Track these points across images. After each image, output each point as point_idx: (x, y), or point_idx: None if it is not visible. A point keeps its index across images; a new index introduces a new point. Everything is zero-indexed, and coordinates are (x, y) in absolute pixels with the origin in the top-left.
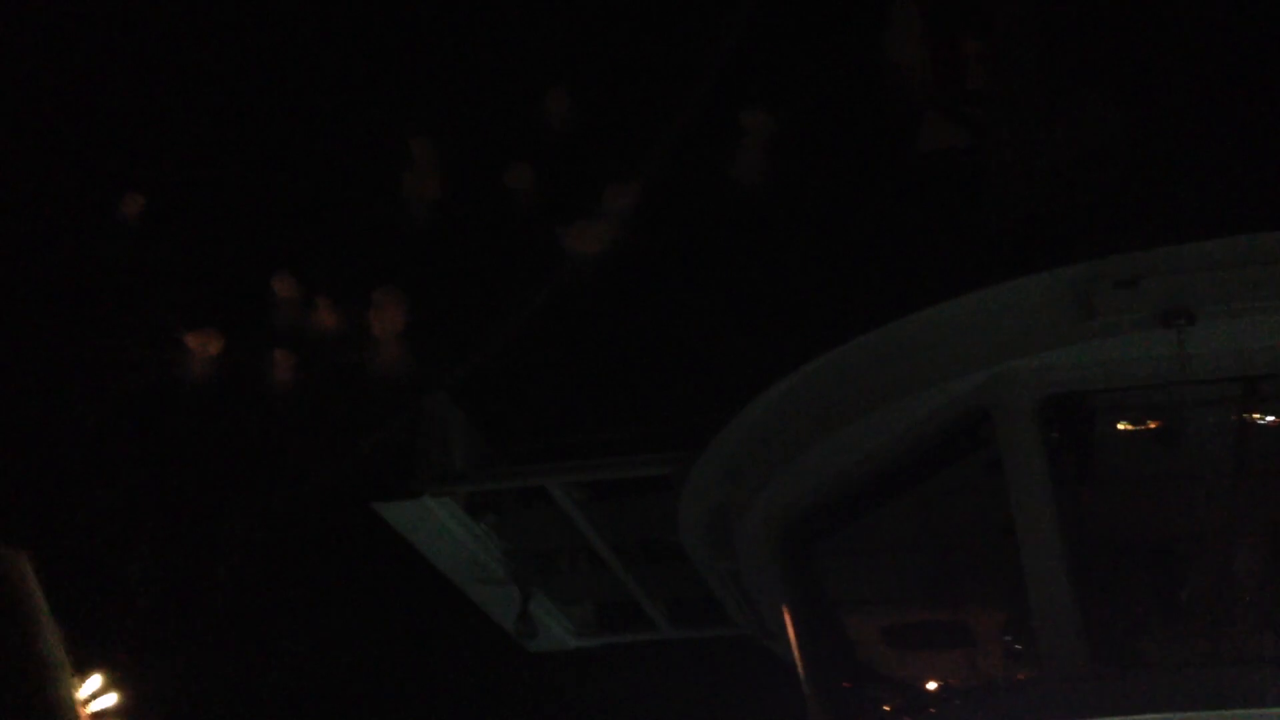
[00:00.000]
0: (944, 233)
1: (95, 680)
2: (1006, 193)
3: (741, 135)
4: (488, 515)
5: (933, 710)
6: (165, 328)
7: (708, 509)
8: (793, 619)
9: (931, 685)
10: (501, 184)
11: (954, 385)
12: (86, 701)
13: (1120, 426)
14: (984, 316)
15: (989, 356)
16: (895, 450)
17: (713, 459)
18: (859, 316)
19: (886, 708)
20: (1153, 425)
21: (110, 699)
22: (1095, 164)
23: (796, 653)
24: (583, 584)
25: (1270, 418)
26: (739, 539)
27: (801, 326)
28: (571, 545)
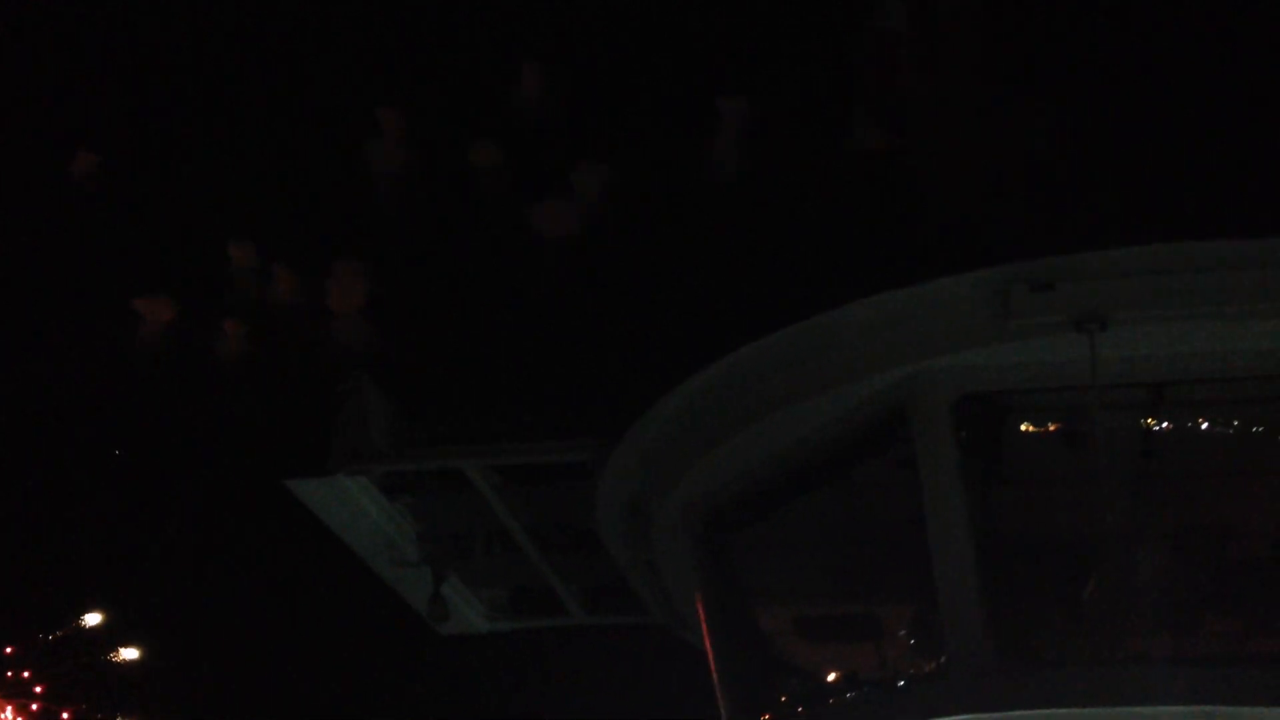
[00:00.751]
0: (870, 229)
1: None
2: (932, 192)
3: (716, 123)
4: (404, 496)
5: (837, 701)
6: (115, 293)
7: (625, 497)
8: (706, 608)
9: (840, 676)
10: (468, 160)
11: (872, 382)
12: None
13: (1032, 427)
14: (903, 315)
15: (907, 355)
16: (812, 444)
17: (631, 447)
18: (780, 310)
19: (795, 697)
20: (1063, 427)
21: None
22: (1020, 167)
23: (709, 642)
24: (497, 568)
25: (1175, 423)
26: (655, 528)
27: (725, 318)
28: (487, 529)
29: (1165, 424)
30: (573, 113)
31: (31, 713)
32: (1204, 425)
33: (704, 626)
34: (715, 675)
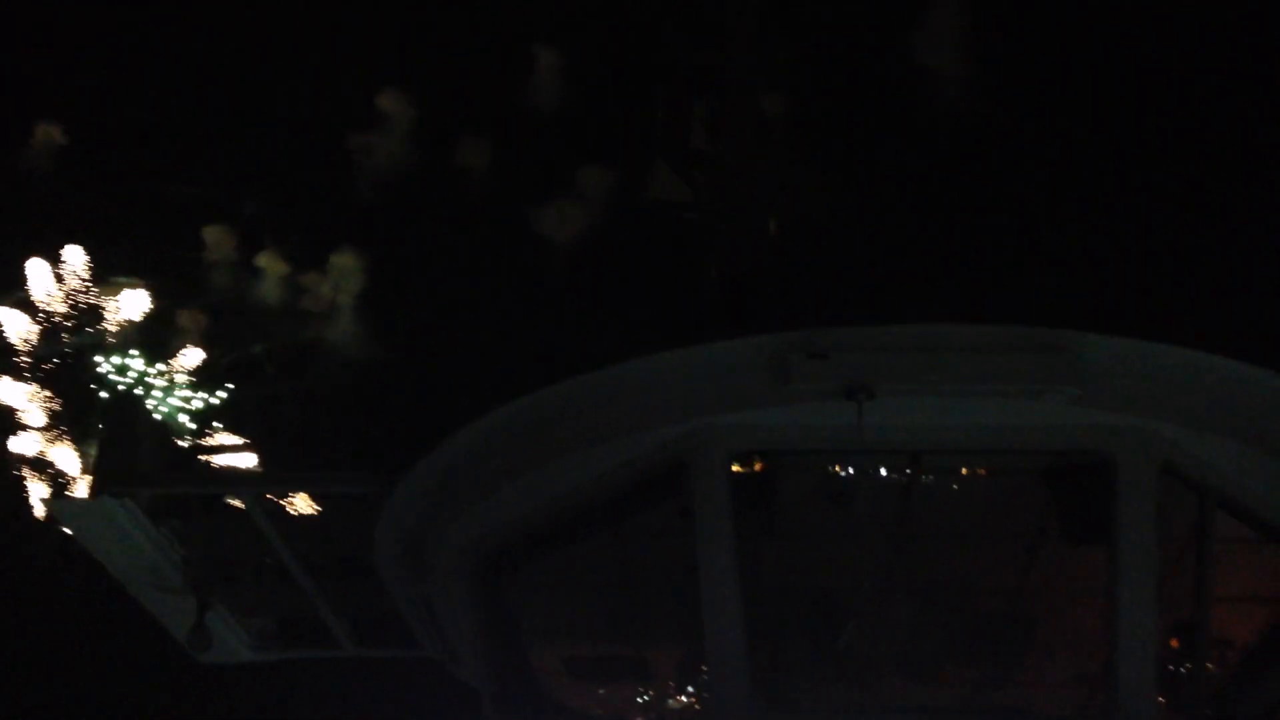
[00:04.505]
0: (657, 285)
1: None
2: (720, 251)
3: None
4: (171, 520)
5: None
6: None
7: (404, 532)
8: (480, 645)
9: (608, 717)
10: (464, 157)
11: (653, 435)
12: None
13: (802, 485)
14: (687, 373)
15: (688, 411)
16: (592, 492)
17: (414, 484)
18: (565, 361)
19: None
20: (830, 487)
21: None
22: (803, 232)
23: (481, 678)
24: (266, 596)
25: (929, 489)
26: (433, 564)
27: (512, 366)
28: (258, 556)
29: (921, 489)
30: None
31: None
32: (954, 491)
33: (477, 663)
34: (486, 711)
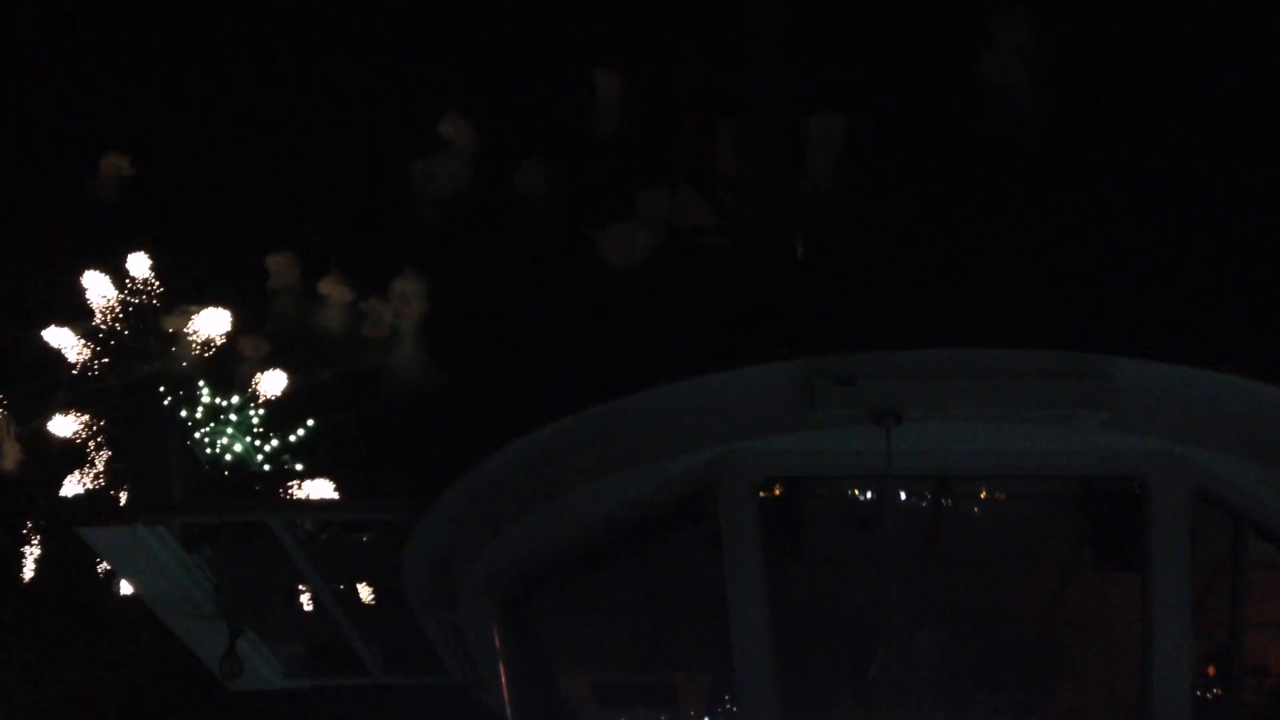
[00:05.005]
0: (686, 311)
1: None
2: (745, 275)
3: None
4: (203, 548)
5: None
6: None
7: (432, 559)
8: (507, 671)
9: None
10: (526, 180)
11: (681, 461)
12: None
13: (830, 510)
14: (714, 399)
15: (715, 437)
16: (620, 518)
17: (441, 511)
18: (593, 388)
19: None
20: (858, 511)
21: None
22: (829, 255)
23: (508, 705)
24: (297, 624)
25: (958, 513)
26: (460, 591)
27: (541, 392)
28: (289, 584)
29: (949, 514)
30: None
31: None
32: (984, 516)
33: (505, 689)
34: None
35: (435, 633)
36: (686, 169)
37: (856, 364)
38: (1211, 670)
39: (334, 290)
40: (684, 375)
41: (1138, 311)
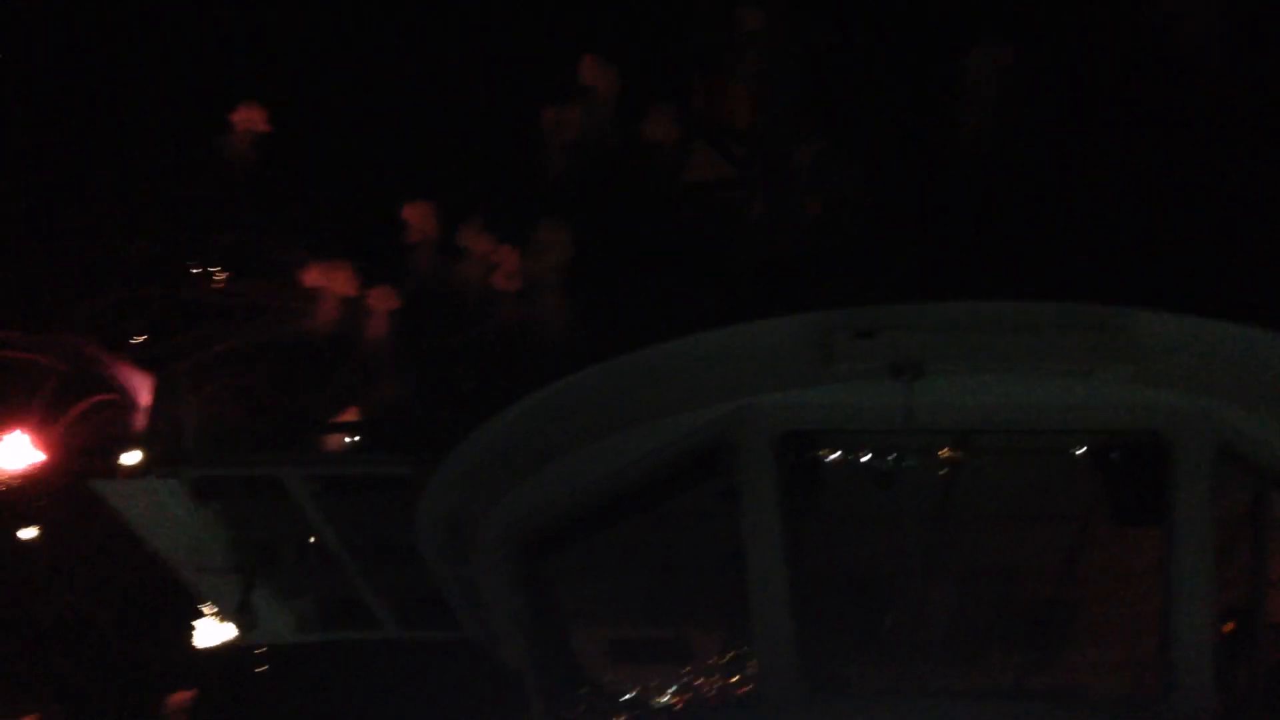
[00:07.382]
0: (702, 264)
1: None
2: (761, 230)
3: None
4: (215, 501)
5: None
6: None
7: (445, 514)
8: (522, 627)
9: (652, 700)
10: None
11: (698, 415)
12: None
13: (848, 465)
14: (732, 352)
15: (733, 391)
16: (636, 472)
17: (455, 465)
18: (609, 341)
19: (606, 718)
20: (877, 467)
21: None
22: (841, 212)
23: (523, 660)
24: (309, 578)
25: (978, 469)
26: (475, 546)
27: (555, 346)
28: (301, 537)
29: (969, 469)
30: None
31: None
32: (1003, 471)
33: (519, 645)
34: (528, 694)
35: (448, 588)
36: (700, 123)
37: (876, 317)
38: (1230, 627)
39: (473, 241)
40: (702, 327)
41: (1163, 263)
